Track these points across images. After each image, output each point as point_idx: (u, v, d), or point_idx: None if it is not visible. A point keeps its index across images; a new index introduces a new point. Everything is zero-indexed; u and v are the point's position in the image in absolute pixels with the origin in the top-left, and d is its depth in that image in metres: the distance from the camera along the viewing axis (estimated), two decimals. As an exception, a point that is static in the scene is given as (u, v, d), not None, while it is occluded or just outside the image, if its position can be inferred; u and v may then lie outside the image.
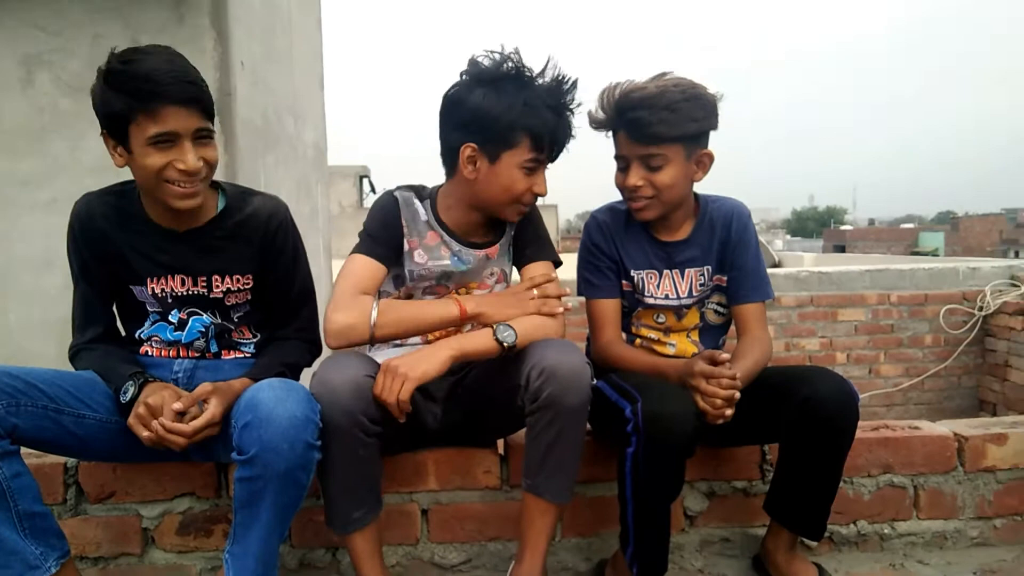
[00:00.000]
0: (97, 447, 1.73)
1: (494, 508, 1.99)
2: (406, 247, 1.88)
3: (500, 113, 1.73)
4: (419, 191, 1.95)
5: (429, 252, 1.89)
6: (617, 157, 1.95)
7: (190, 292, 1.81)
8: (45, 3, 3.14)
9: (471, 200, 1.87)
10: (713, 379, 1.68)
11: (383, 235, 1.86)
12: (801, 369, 1.89)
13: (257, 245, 1.84)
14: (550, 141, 1.78)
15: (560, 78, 1.78)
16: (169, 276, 1.80)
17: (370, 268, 1.80)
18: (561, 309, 1.82)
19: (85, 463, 1.90)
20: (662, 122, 1.81)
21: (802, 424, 1.73)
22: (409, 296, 1.92)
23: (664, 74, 1.89)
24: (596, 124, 1.93)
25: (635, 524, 1.73)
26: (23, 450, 1.60)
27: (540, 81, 1.77)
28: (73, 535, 1.82)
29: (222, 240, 1.81)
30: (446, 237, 1.90)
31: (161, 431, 1.58)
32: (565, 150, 1.84)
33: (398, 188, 1.95)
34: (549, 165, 1.85)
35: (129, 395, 1.65)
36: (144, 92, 1.56)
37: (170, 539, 1.93)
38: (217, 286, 1.83)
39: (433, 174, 2.02)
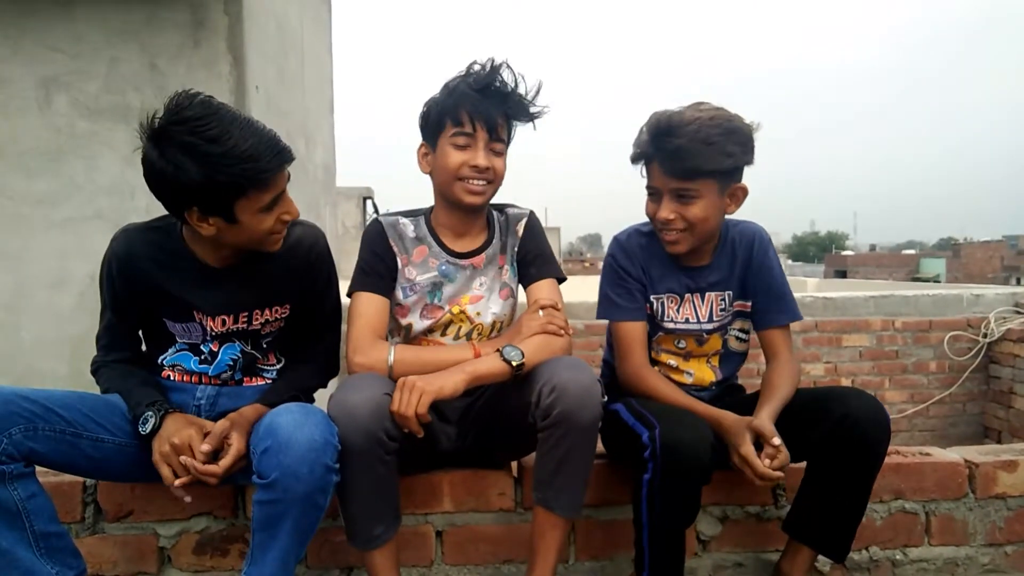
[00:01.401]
0: (115, 469, 1.75)
1: (508, 530, 2.00)
2: (399, 266, 1.94)
3: (433, 109, 1.91)
4: (412, 212, 2.03)
5: (418, 267, 1.95)
6: (649, 188, 1.95)
7: (229, 329, 1.83)
8: (63, 26, 3.20)
9: (439, 195, 1.97)
10: (756, 473, 1.70)
11: (378, 265, 1.92)
12: (833, 389, 1.90)
13: (298, 276, 1.87)
14: (469, 113, 1.86)
15: (492, 64, 1.88)
16: (210, 317, 1.81)
17: (376, 305, 1.88)
18: (565, 333, 1.86)
19: (104, 482, 1.91)
20: (697, 156, 1.81)
21: (837, 442, 1.73)
22: (408, 326, 1.95)
23: (701, 104, 1.89)
24: (633, 155, 1.96)
25: (651, 549, 1.74)
26: (41, 468, 1.62)
27: (477, 70, 1.89)
28: (90, 554, 1.84)
29: (265, 274, 1.83)
30: (434, 248, 1.96)
31: (196, 474, 1.60)
32: (508, 124, 1.92)
33: (384, 214, 2.03)
34: (499, 147, 1.90)
35: (149, 426, 1.66)
36: (254, 172, 1.57)
37: (187, 558, 1.94)
38: (256, 319, 1.85)
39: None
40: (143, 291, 1.79)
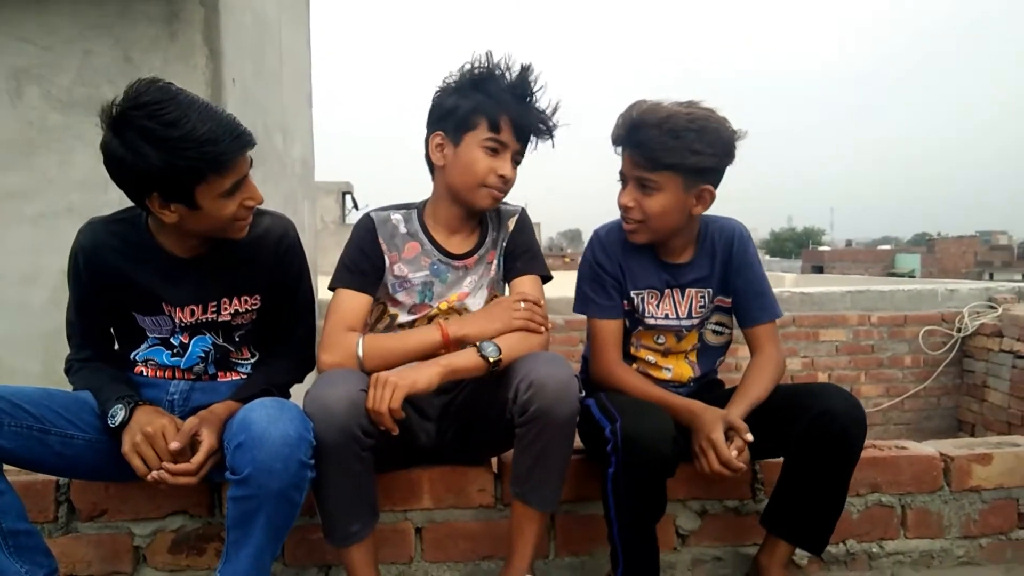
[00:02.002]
0: (86, 467, 1.72)
1: (488, 526, 1.99)
2: (387, 263, 1.91)
3: (462, 102, 1.85)
4: (404, 206, 1.99)
5: (409, 264, 1.93)
6: (620, 173, 1.95)
7: (198, 320, 1.81)
8: (35, 18, 3.13)
9: (447, 191, 1.92)
10: (720, 458, 1.71)
11: (363, 261, 1.89)
12: (811, 385, 1.91)
13: (267, 266, 1.84)
14: (511, 123, 1.84)
15: (520, 69, 1.87)
16: (179, 308, 1.78)
17: (354, 302, 1.85)
18: (544, 329, 1.85)
19: (77, 481, 1.88)
20: (660, 147, 1.80)
21: (815, 438, 1.74)
22: (394, 316, 1.93)
23: (691, 102, 1.87)
24: (611, 138, 1.94)
25: (622, 544, 1.75)
26: (11, 467, 1.59)
27: (504, 74, 1.86)
28: (64, 553, 1.81)
29: (233, 263, 1.81)
30: (427, 246, 1.94)
31: (169, 478, 1.58)
32: (538, 140, 1.91)
33: (375, 209, 1.99)
34: (521, 156, 1.90)
35: (119, 418, 1.63)
36: (213, 155, 1.55)
37: (162, 557, 1.91)
38: (225, 308, 1.82)
39: (412, 194, 2.06)
40: (110, 284, 1.76)
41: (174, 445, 1.59)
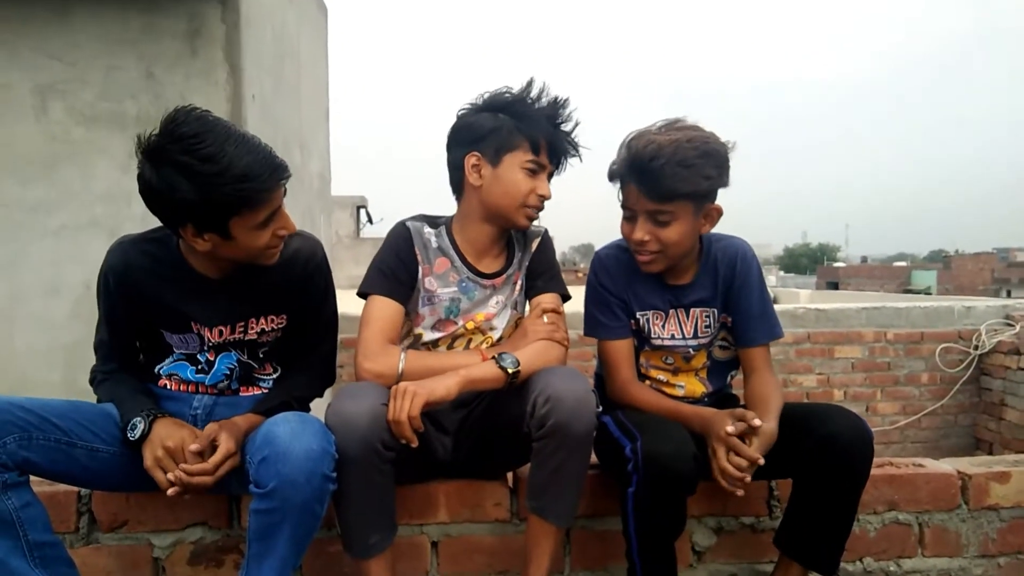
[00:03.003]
0: (110, 479, 1.74)
1: (503, 541, 2.00)
2: (420, 275, 1.93)
3: (500, 124, 1.89)
4: (432, 220, 2.01)
5: (439, 279, 1.95)
6: (624, 208, 1.94)
7: (226, 340, 1.83)
8: (60, 34, 3.20)
9: (481, 211, 1.94)
10: (737, 454, 1.69)
11: (399, 268, 1.91)
12: (817, 407, 1.90)
13: (295, 287, 1.86)
14: (548, 145, 1.90)
15: (555, 98, 1.92)
16: (208, 328, 1.80)
17: (390, 311, 1.87)
18: (566, 342, 1.90)
19: (99, 492, 1.90)
20: (675, 178, 1.79)
21: (819, 461, 1.74)
22: (419, 335, 1.96)
23: (676, 122, 1.87)
24: (610, 173, 1.95)
25: (641, 561, 1.75)
26: (35, 477, 1.61)
27: (539, 101, 1.91)
28: (84, 564, 1.82)
29: (262, 284, 1.82)
30: (456, 262, 1.96)
31: (185, 477, 1.59)
32: (566, 162, 1.97)
33: (410, 218, 2.01)
34: (554, 176, 1.96)
35: (138, 431, 1.65)
36: (249, 191, 1.56)
37: (181, 569, 1.92)
38: (252, 328, 1.84)
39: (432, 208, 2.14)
40: (140, 303, 1.78)
41: (194, 446, 1.61)
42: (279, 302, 1.86)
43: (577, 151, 1.96)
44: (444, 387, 1.68)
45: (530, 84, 1.92)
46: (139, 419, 1.67)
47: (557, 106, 1.92)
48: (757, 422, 1.70)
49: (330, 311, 1.97)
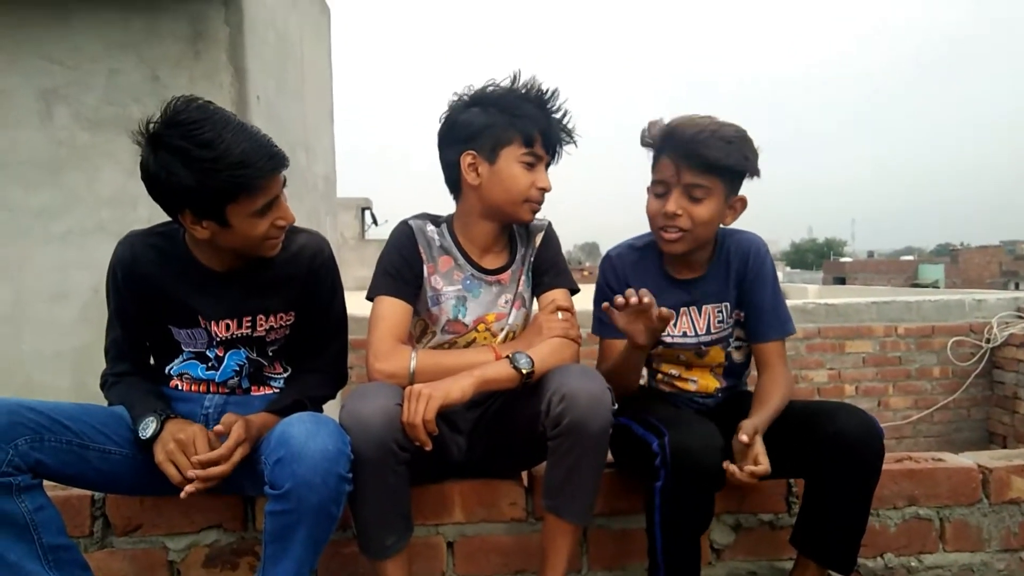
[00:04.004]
0: (123, 482, 1.73)
1: (519, 541, 1.98)
2: (425, 273, 1.91)
3: (491, 120, 1.86)
4: (434, 218, 2.00)
5: (444, 277, 1.93)
6: (656, 183, 1.92)
7: (234, 335, 1.82)
8: (62, 38, 3.19)
9: (482, 209, 1.92)
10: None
11: (404, 269, 1.89)
12: (825, 405, 1.87)
13: (301, 283, 1.86)
14: (542, 136, 1.87)
15: (543, 88, 1.90)
16: (215, 322, 1.80)
17: (399, 311, 1.85)
18: (579, 339, 1.88)
19: (113, 495, 1.89)
20: (717, 149, 1.80)
21: (829, 461, 1.72)
22: (430, 333, 1.94)
23: (711, 116, 1.89)
24: (643, 142, 1.95)
25: (664, 558, 1.72)
26: (49, 482, 1.60)
27: (526, 92, 1.89)
28: (99, 568, 1.80)
29: (268, 279, 1.82)
30: (460, 260, 1.94)
31: (201, 472, 1.58)
32: (561, 150, 1.95)
33: (412, 217, 1.99)
34: (551, 166, 1.94)
35: (150, 431, 1.64)
36: (245, 177, 1.57)
37: (196, 572, 1.91)
38: (261, 325, 1.83)
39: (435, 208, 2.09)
40: (148, 296, 1.78)
41: (218, 428, 1.61)
42: (286, 298, 1.85)
43: (572, 138, 1.94)
44: (459, 389, 1.65)
45: (516, 76, 1.89)
46: (151, 418, 1.66)
47: (546, 96, 1.90)
48: (744, 438, 1.70)
49: (339, 310, 1.95)
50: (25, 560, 1.50)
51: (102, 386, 1.85)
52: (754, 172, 1.90)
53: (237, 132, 1.56)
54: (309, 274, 1.86)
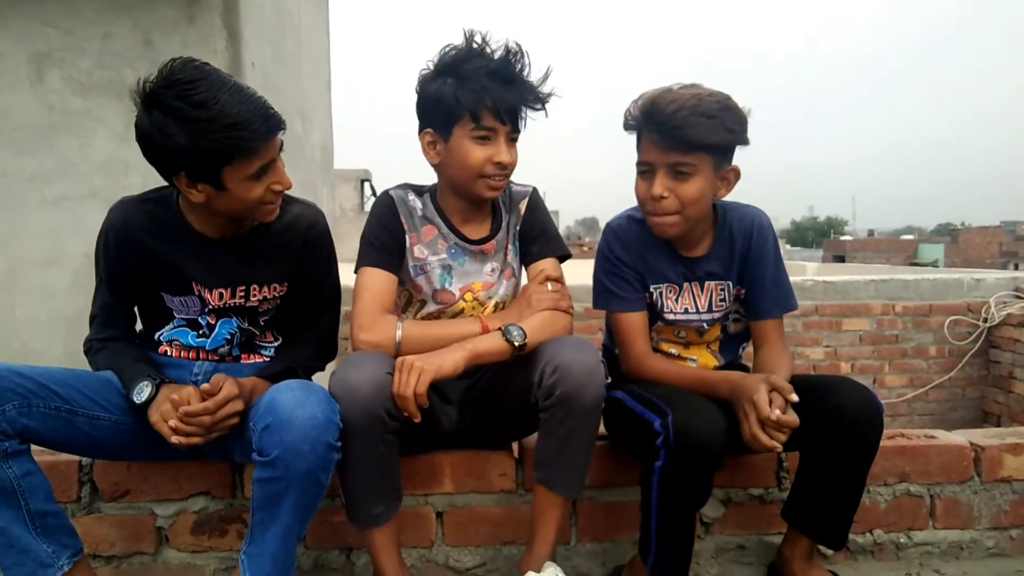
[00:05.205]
0: (111, 448, 1.72)
1: (509, 511, 1.98)
2: (408, 243, 1.89)
3: (444, 93, 1.77)
4: (417, 188, 1.97)
5: (427, 246, 1.91)
6: (640, 164, 1.86)
7: (227, 304, 1.81)
8: (55, 1, 3.13)
9: (447, 185, 1.90)
10: (760, 415, 1.62)
11: (386, 239, 1.86)
12: (825, 379, 1.85)
13: (295, 254, 1.84)
14: (492, 109, 1.76)
15: (508, 49, 1.78)
16: (209, 289, 1.78)
17: (383, 281, 1.82)
18: (569, 311, 1.85)
19: (100, 461, 1.88)
20: (699, 127, 1.73)
21: (828, 434, 1.70)
22: (422, 302, 1.93)
23: (694, 85, 1.82)
24: (625, 124, 1.88)
25: (658, 534, 1.71)
26: (36, 448, 1.59)
27: (484, 54, 1.78)
28: (87, 533, 1.81)
29: (262, 249, 1.81)
30: (443, 229, 1.92)
31: (187, 421, 1.56)
32: (526, 116, 1.83)
33: (393, 187, 1.96)
34: (516, 136, 1.84)
35: (145, 395, 1.63)
36: (240, 139, 1.55)
37: (184, 538, 1.91)
38: (254, 295, 1.82)
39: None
40: (140, 263, 1.76)
41: (205, 386, 1.59)
42: (279, 269, 1.83)
43: (540, 102, 1.82)
44: (452, 362, 1.63)
45: (470, 36, 1.78)
46: (146, 383, 1.65)
47: (504, 60, 1.78)
48: (795, 397, 1.63)
49: (332, 283, 1.94)
50: (12, 526, 1.50)
51: (87, 352, 1.83)
52: (741, 142, 1.83)
53: (233, 93, 1.54)
54: (303, 245, 1.85)
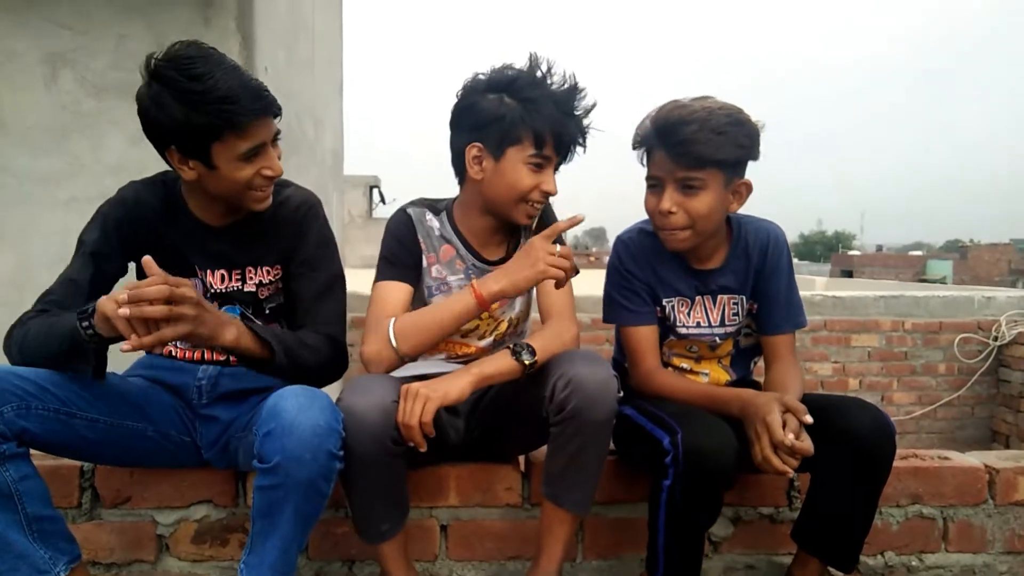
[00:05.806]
0: (110, 452, 1.71)
1: (514, 526, 1.95)
2: (425, 263, 1.87)
3: (504, 112, 1.74)
4: (433, 205, 1.94)
5: (446, 267, 1.89)
6: (650, 178, 1.85)
7: (228, 288, 1.80)
8: (70, 2, 3.15)
9: (481, 203, 1.86)
10: (773, 439, 1.58)
11: (403, 255, 1.85)
12: (836, 399, 1.81)
13: (286, 233, 1.82)
14: (555, 138, 1.75)
15: (570, 83, 1.78)
16: (210, 271, 1.79)
17: (395, 291, 1.81)
18: (571, 272, 1.71)
19: (102, 467, 1.87)
20: (708, 143, 1.71)
21: (839, 456, 1.67)
22: None
23: (707, 97, 1.80)
24: (635, 142, 1.87)
25: (666, 553, 1.69)
26: (37, 452, 1.57)
27: (549, 83, 1.77)
28: (87, 540, 1.79)
29: (256, 232, 1.80)
30: (461, 250, 1.90)
31: (137, 306, 1.41)
32: (576, 152, 1.83)
33: (410, 204, 1.94)
34: (561, 168, 1.84)
35: (89, 310, 1.48)
36: (230, 113, 1.55)
37: (185, 547, 1.89)
38: (251, 278, 1.82)
39: (444, 187, 2.04)
40: (145, 242, 1.72)
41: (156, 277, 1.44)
42: (272, 248, 1.82)
43: (585, 139, 1.81)
44: (457, 388, 1.59)
45: (536, 62, 1.76)
46: (86, 308, 1.49)
47: (568, 90, 1.77)
48: (809, 419, 1.60)
49: (329, 268, 1.85)
50: (8, 530, 1.48)
51: (8, 335, 1.65)
52: (752, 157, 1.81)
53: (229, 72, 1.57)
54: (293, 223, 1.82)
